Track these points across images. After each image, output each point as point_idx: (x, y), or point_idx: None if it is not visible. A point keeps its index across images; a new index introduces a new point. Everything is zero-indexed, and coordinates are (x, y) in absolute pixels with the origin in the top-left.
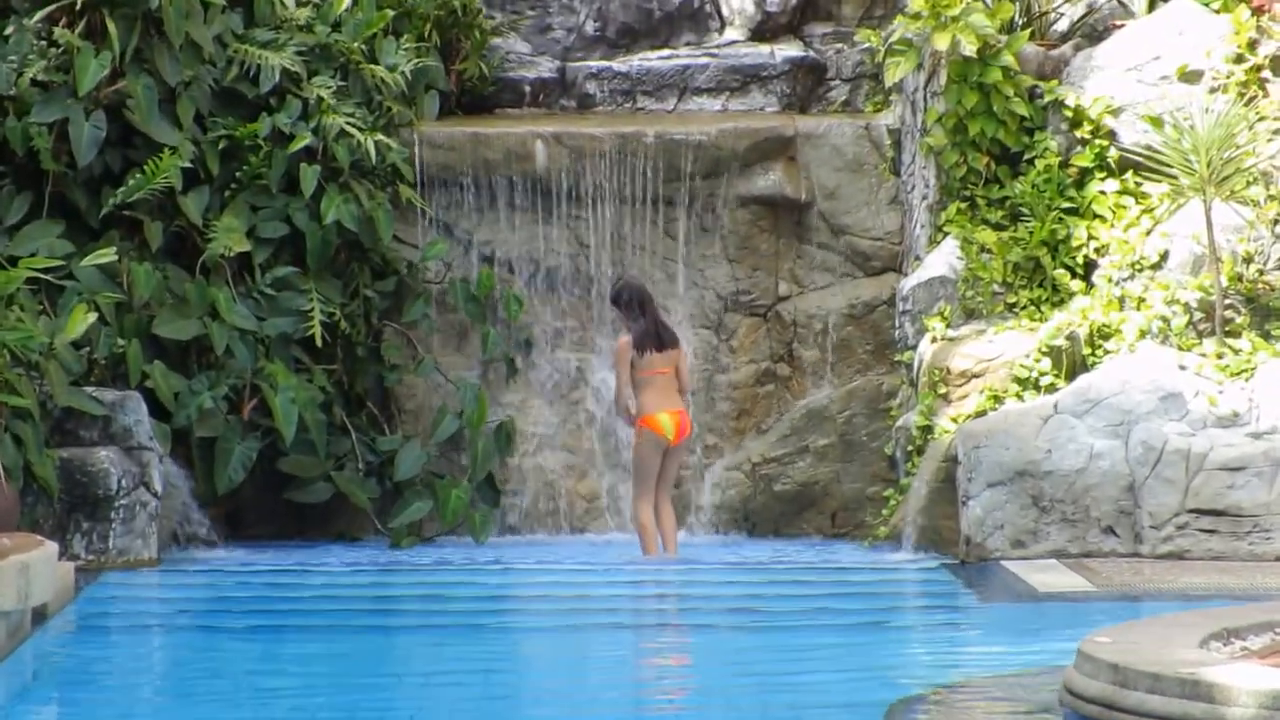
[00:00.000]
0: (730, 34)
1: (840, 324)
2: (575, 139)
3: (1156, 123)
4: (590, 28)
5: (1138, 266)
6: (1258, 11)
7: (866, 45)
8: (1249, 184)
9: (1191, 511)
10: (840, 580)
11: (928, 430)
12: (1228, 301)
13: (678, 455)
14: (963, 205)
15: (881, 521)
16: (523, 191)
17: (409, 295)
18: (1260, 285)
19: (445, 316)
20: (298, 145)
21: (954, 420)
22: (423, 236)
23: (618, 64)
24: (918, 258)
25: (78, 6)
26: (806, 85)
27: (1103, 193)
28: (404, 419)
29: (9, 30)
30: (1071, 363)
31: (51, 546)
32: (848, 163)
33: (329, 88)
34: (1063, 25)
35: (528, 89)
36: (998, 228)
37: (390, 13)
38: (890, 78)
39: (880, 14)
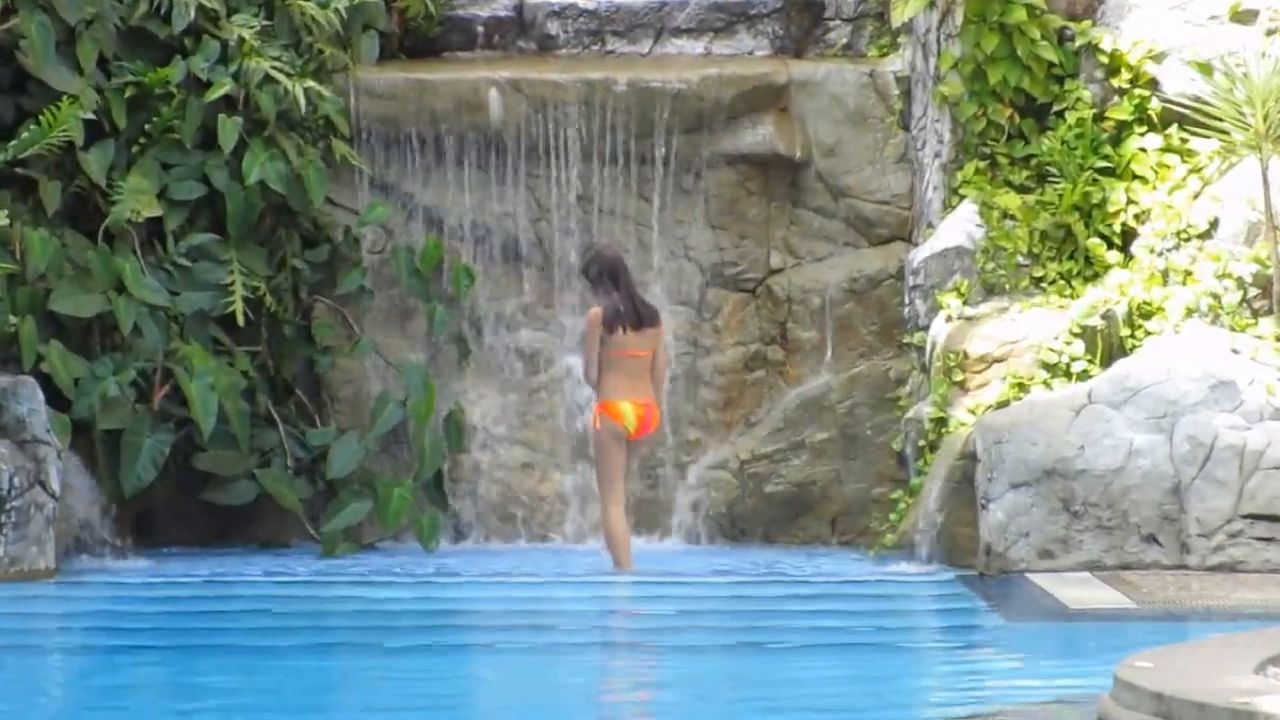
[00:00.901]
0: None
1: (841, 301)
2: (535, 87)
3: (1205, 69)
4: None
5: (1184, 235)
6: None
7: None
8: None
9: (1246, 517)
10: (842, 595)
11: (942, 423)
12: None
13: (636, 451)
14: (982, 164)
15: (889, 528)
16: (475, 148)
17: (344, 266)
18: None
19: (386, 291)
20: (216, 94)
21: (972, 411)
22: (360, 199)
23: (584, 0)
24: (930, 225)
25: None
26: (802, 26)
27: (1143, 150)
28: (339, 409)
29: None
30: (1108, 346)
31: None
32: (849, 115)
33: (251, 27)
34: None
35: (480, 29)
36: (1022, 190)
37: None
38: (898, 17)
39: None
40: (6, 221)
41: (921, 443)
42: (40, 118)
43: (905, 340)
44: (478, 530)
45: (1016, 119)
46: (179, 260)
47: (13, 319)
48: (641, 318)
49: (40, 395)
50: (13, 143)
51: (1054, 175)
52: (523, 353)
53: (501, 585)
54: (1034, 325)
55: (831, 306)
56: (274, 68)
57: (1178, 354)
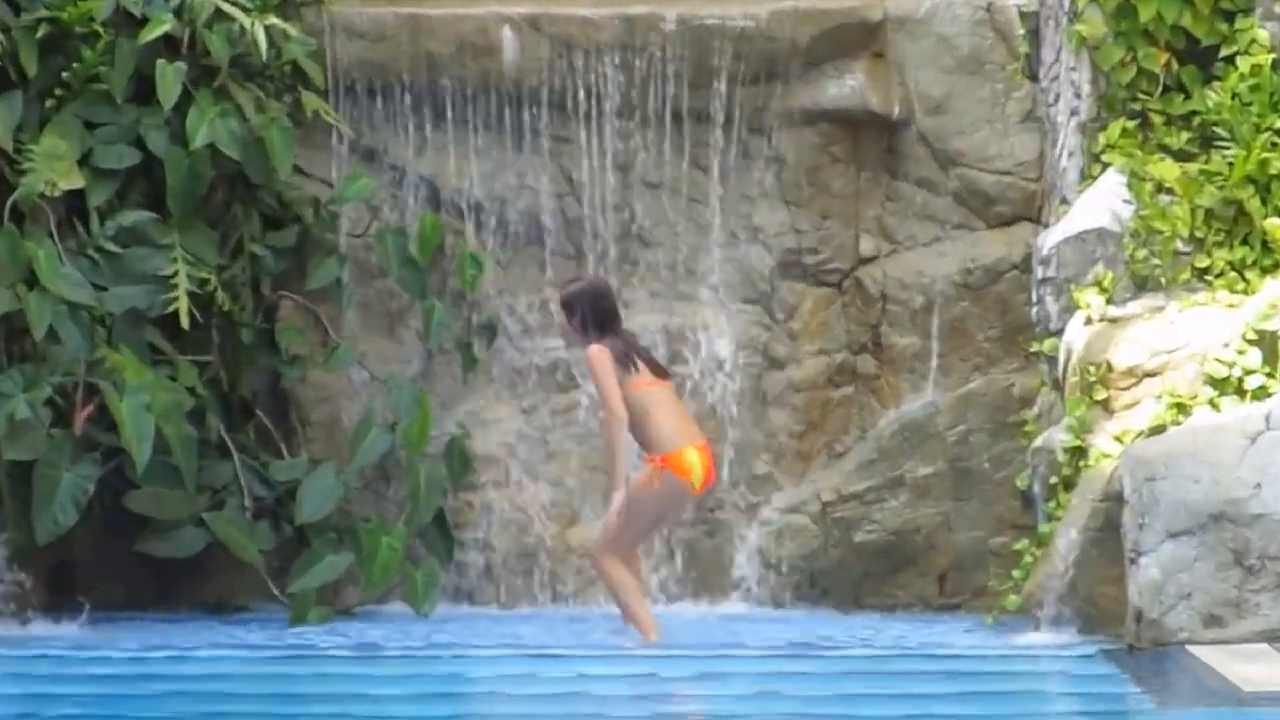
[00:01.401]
0: None
1: (951, 298)
2: (560, 25)
3: None
4: None
5: None
6: None
7: None
8: None
9: None
10: (953, 674)
11: (1079, 454)
12: None
13: (687, 508)
14: (1130, 124)
15: (1011, 587)
16: (484, 102)
17: (317, 254)
18: None
19: (370, 285)
20: (153, 33)
21: (1118, 439)
22: (338, 168)
23: None
24: (1065, 200)
25: None
26: None
27: None
28: (310, 435)
29: None
30: None
31: None
32: (961, 61)
33: None
34: None
35: None
36: (1182, 157)
37: None
38: None
39: None
40: None
41: (1053, 479)
42: None
43: (1032, 349)
44: (487, 590)
45: (1174, 66)
46: (106, 245)
47: None
48: (653, 363)
49: None
50: None
51: (1222, 138)
52: (546, 363)
53: (518, 660)
54: (1197, 329)
55: (939, 306)
56: (227, 0)
57: None
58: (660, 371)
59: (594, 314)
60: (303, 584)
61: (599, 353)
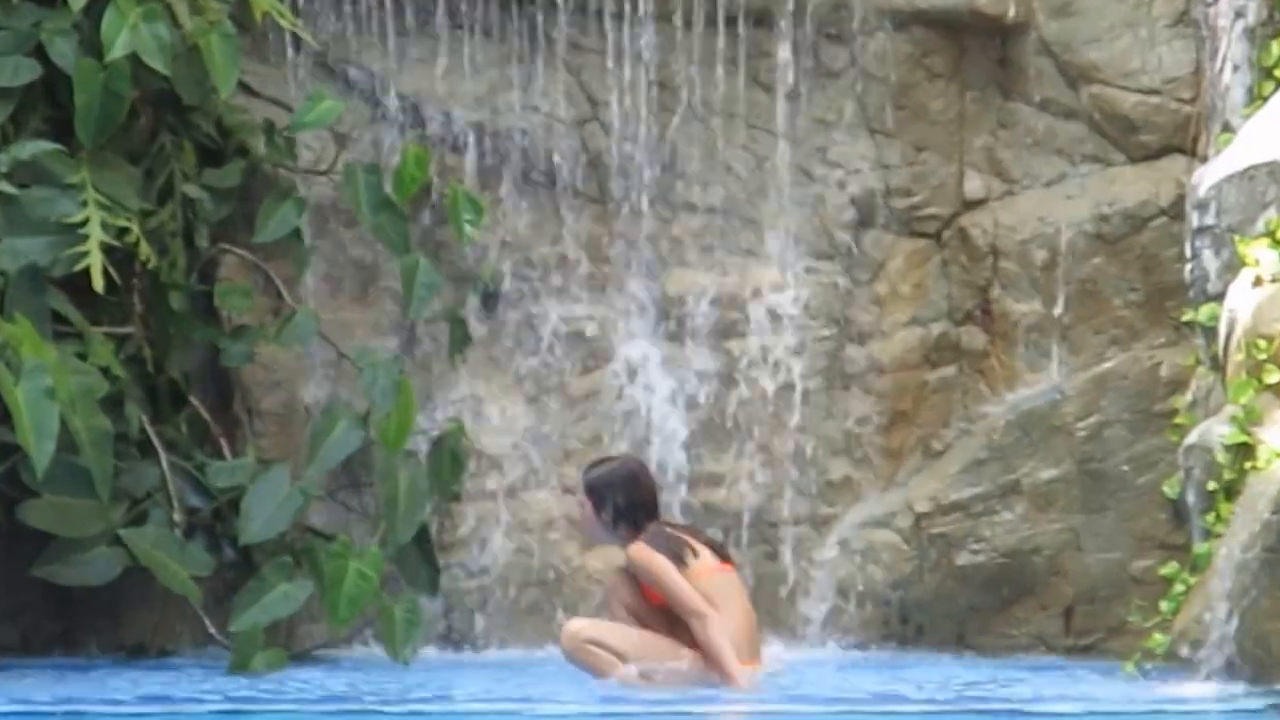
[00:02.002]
0: None
1: (1082, 252)
2: None
3: None
4: None
5: None
6: None
7: None
8: None
9: None
10: None
11: (1245, 453)
12: None
13: None
14: None
15: (1158, 624)
16: (481, 1)
17: (268, 196)
18: None
19: (336, 236)
20: None
21: None
22: (295, 86)
23: None
24: (1228, 128)
25: None
26: None
27: None
28: (259, 429)
29: None
30: None
31: None
32: None
33: None
34: None
35: None
36: None
37: None
38: None
39: None
40: None
41: (1212, 485)
42: None
43: (1186, 318)
44: (485, 630)
45: None
46: None
47: None
48: (712, 545)
49: None
50: None
51: None
52: (563, 336)
53: None
54: None
55: (1066, 262)
56: None
57: None
58: (723, 553)
59: (629, 504)
60: (248, 621)
61: (645, 552)
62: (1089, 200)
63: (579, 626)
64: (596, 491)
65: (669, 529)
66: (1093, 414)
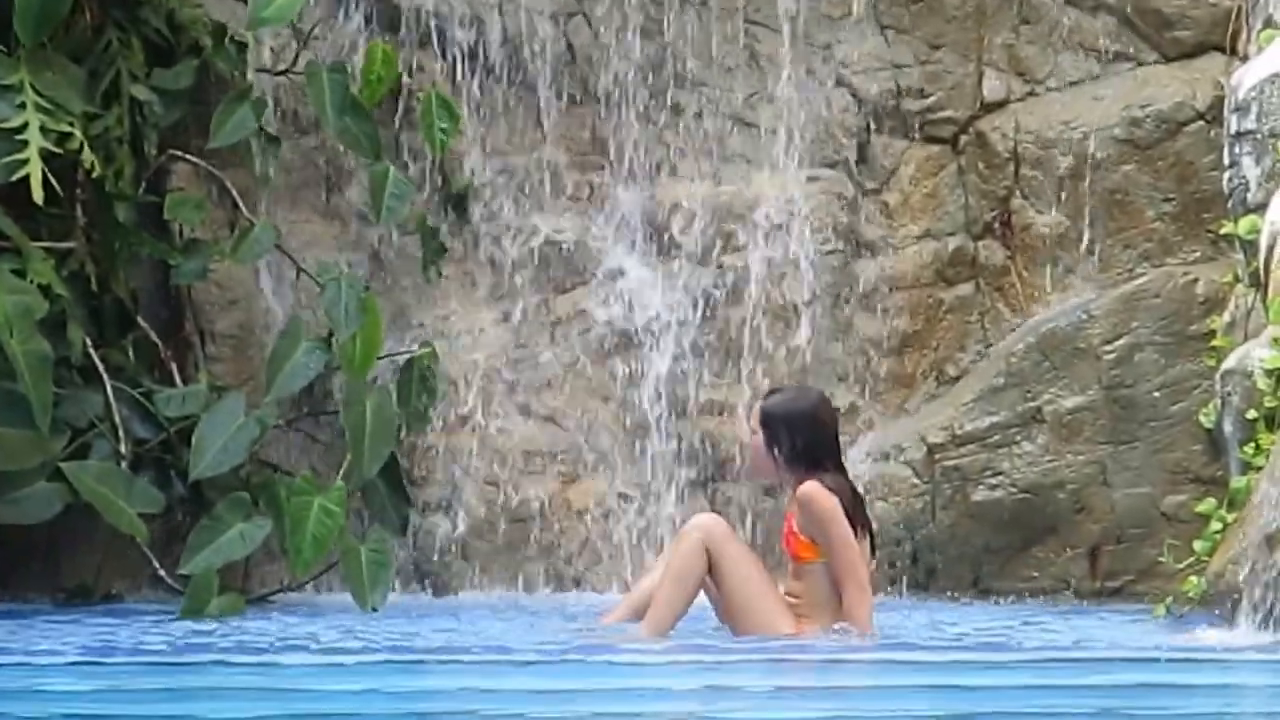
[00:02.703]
0: None
1: (1111, 159)
2: None
3: None
4: None
5: None
6: None
7: None
8: None
9: None
10: (1116, 688)
11: None
12: None
13: None
14: None
15: (1193, 565)
16: None
17: (222, 98)
18: None
19: (296, 141)
20: None
21: None
22: None
23: None
24: (1271, 23)
25: None
26: None
27: None
28: (213, 353)
29: None
30: None
31: None
32: None
33: None
34: None
35: None
36: None
37: None
38: None
39: None
40: None
41: (1251, 414)
42: None
43: (1224, 231)
44: (457, 572)
45: None
46: None
47: None
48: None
49: None
50: None
51: None
52: (546, 251)
53: (505, 670)
54: None
55: (1094, 170)
56: None
57: None
58: (866, 520)
59: (809, 442)
60: (201, 563)
61: (826, 497)
62: (1119, 102)
63: (717, 522)
64: (773, 424)
65: (851, 486)
66: (1121, 336)
